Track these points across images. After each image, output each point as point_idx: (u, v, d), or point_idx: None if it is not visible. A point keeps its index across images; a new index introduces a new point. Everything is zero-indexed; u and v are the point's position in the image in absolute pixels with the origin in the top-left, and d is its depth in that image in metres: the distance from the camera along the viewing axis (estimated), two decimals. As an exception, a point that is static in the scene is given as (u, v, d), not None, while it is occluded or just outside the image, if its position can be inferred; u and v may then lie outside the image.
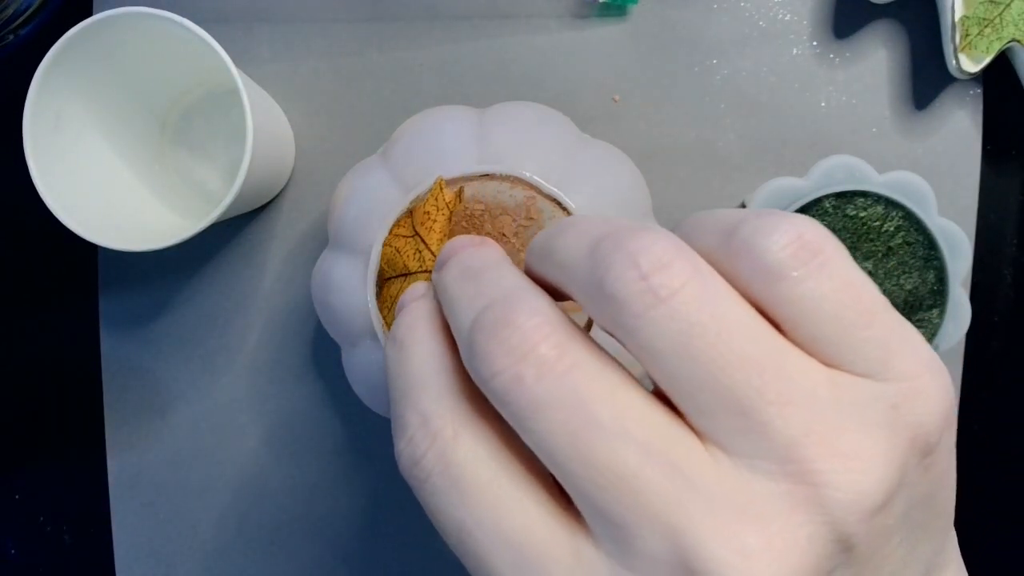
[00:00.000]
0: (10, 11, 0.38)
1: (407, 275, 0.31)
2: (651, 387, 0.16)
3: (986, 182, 0.41)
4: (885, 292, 0.35)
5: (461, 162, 0.32)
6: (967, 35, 0.38)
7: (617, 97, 0.41)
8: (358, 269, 0.32)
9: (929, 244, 0.35)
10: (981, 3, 0.37)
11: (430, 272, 0.31)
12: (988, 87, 0.40)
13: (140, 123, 0.39)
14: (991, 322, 0.41)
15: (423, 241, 0.31)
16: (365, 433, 0.41)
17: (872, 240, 0.35)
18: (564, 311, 0.17)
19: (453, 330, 0.17)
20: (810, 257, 0.15)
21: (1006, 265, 0.41)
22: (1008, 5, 0.37)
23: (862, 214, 0.35)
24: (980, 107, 0.40)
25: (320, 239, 0.41)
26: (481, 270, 0.18)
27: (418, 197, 0.31)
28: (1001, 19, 0.37)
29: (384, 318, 0.31)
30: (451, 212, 0.31)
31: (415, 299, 0.20)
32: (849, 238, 0.35)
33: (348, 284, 0.32)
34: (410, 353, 0.18)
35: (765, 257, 0.15)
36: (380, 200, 0.32)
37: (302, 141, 0.41)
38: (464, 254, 0.19)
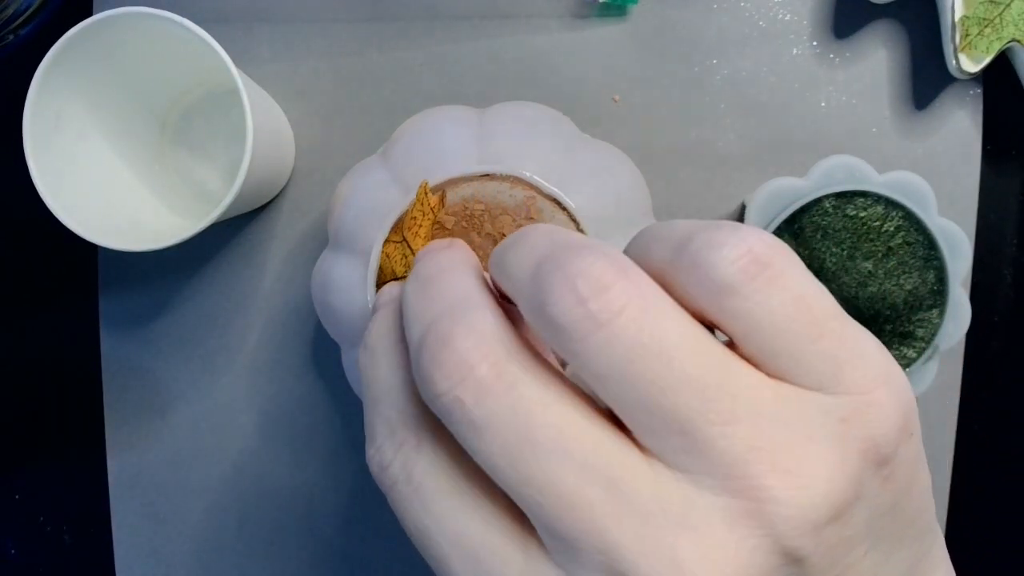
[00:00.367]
0: (10, 11, 0.38)
1: (396, 281, 0.31)
2: None
3: (986, 182, 0.41)
4: (885, 292, 0.35)
5: (461, 162, 0.32)
6: (967, 35, 0.38)
7: (617, 97, 0.41)
8: (358, 269, 0.32)
9: (929, 244, 0.35)
10: (981, 3, 0.37)
11: None
12: (988, 87, 0.40)
13: (140, 123, 0.39)
14: (991, 322, 0.41)
15: (409, 247, 0.31)
16: (365, 433, 0.41)
17: (872, 240, 0.35)
18: None
19: (408, 345, 0.18)
20: (759, 271, 0.15)
21: (1006, 265, 0.41)
22: (1008, 5, 0.37)
23: (862, 214, 0.35)
24: (980, 107, 0.40)
25: (320, 239, 0.41)
26: (432, 279, 0.18)
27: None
28: (1001, 19, 0.37)
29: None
30: (435, 217, 0.31)
31: (386, 304, 0.20)
32: (849, 238, 0.35)
33: (348, 284, 0.32)
34: (379, 362, 0.19)
35: (713, 272, 0.15)
36: (380, 200, 0.32)
37: (302, 141, 0.41)
38: (422, 262, 0.19)
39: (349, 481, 0.41)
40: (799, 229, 0.35)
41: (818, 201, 0.35)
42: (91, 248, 0.41)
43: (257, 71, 0.41)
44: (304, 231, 0.41)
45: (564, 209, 0.31)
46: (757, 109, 0.40)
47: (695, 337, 0.15)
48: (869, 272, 0.35)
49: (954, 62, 0.38)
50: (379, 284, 0.31)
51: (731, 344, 0.16)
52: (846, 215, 0.35)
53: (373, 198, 0.32)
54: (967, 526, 0.41)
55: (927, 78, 0.40)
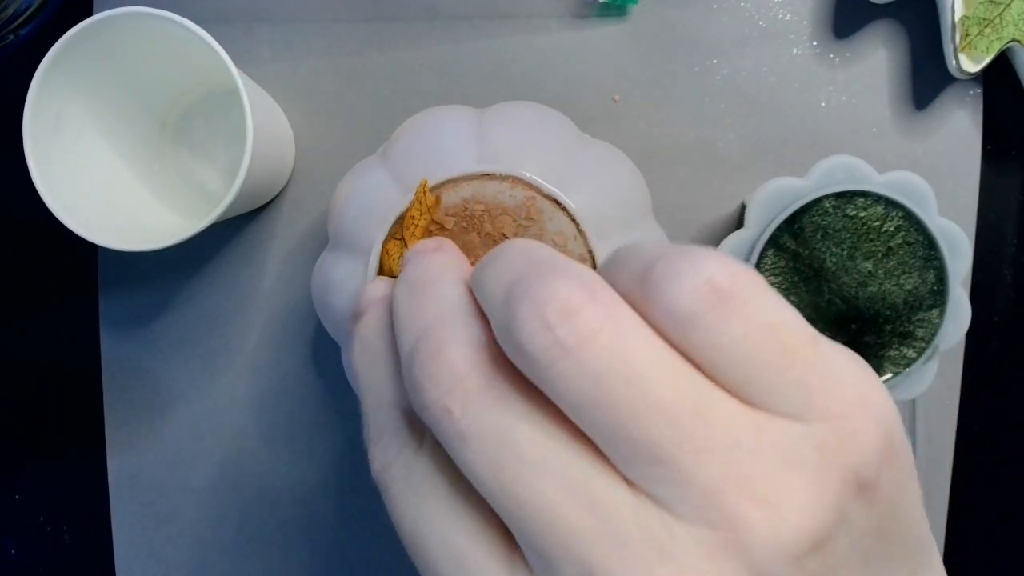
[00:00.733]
0: (10, 11, 0.38)
1: (394, 278, 0.31)
2: None
3: (986, 182, 0.41)
4: (885, 292, 0.35)
5: (461, 162, 0.32)
6: (967, 35, 0.38)
7: (617, 97, 0.41)
8: (358, 269, 0.32)
9: (929, 244, 0.35)
10: (981, 3, 0.37)
11: None
12: (988, 87, 0.40)
13: (140, 123, 0.39)
14: (991, 322, 0.41)
15: (406, 246, 0.31)
16: (365, 433, 0.41)
17: (872, 240, 0.35)
18: None
19: (399, 353, 0.18)
20: (719, 302, 0.15)
21: (1006, 265, 0.41)
22: (1008, 5, 0.37)
23: (862, 214, 0.35)
24: (980, 107, 0.40)
25: (320, 239, 0.41)
26: (422, 285, 0.18)
27: None
28: (1001, 19, 0.37)
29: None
30: (431, 216, 0.31)
31: (376, 303, 0.20)
32: (849, 238, 0.35)
33: (348, 284, 0.32)
34: (378, 363, 0.19)
35: (674, 305, 0.15)
36: (380, 200, 0.32)
37: (302, 141, 0.41)
38: (410, 264, 0.19)
39: (349, 481, 0.41)
40: (799, 229, 0.35)
41: (818, 201, 0.35)
42: (91, 248, 0.41)
43: (257, 71, 0.41)
44: (304, 231, 0.41)
45: (564, 209, 0.31)
46: (757, 109, 0.40)
47: (667, 363, 0.15)
48: (869, 272, 0.35)
49: (954, 62, 0.38)
50: (379, 282, 0.31)
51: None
52: (846, 215, 0.35)
53: (373, 198, 0.32)
54: (967, 527, 0.41)
55: (927, 78, 0.40)
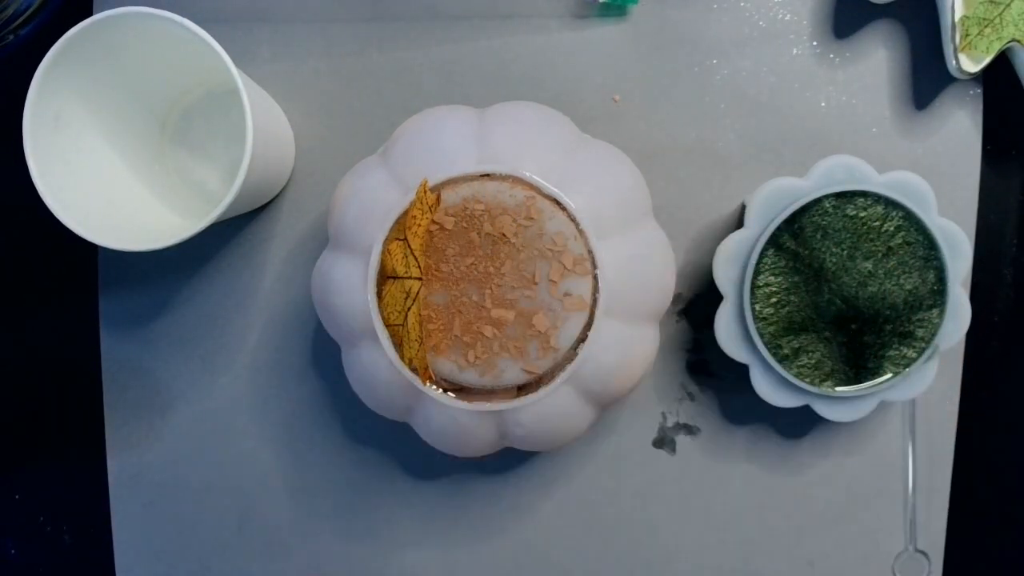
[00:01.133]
0: (10, 11, 0.38)
1: (395, 278, 0.31)
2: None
3: (986, 182, 0.41)
4: (885, 292, 0.35)
5: (461, 162, 0.32)
6: (967, 35, 0.38)
7: (617, 97, 0.41)
8: (358, 269, 0.32)
9: (929, 244, 0.35)
10: (981, 3, 0.37)
11: (416, 278, 0.31)
12: (988, 87, 0.40)
13: (140, 123, 0.39)
14: (991, 322, 0.41)
15: (408, 245, 0.31)
16: (365, 433, 0.41)
17: (872, 240, 0.35)
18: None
19: None
20: None
21: (1006, 265, 0.41)
22: (1008, 5, 0.37)
23: (862, 214, 0.35)
24: (980, 107, 0.40)
25: (320, 239, 0.41)
26: None
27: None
28: (1001, 19, 0.37)
29: (384, 318, 0.31)
30: (432, 216, 0.31)
31: None
32: (849, 238, 0.35)
33: (348, 284, 0.32)
34: None
35: None
36: (380, 200, 0.32)
37: (302, 141, 0.41)
38: None
39: (349, 481, 0.41)
40: (799, 229, 0.35)
41: (818, 201, 0.35)
42: (91, 248, 0.41)
43: (257, 71, 0.41)
44: (304, 231, 0.41)
45: (564, 209, 0.31)
46: (757, 109, 0.40)
47: None
48: (869, 272, 0.35)
49: (954, 62, 0.38)
50: (379, 283, 0.31)
51: None
52: (846, 215, 0.35)
53: (373, 198, 0.32)
54: (967, 527, 0.41)
55: (927, 78, 0.40)
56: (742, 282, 0.36)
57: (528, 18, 0.41)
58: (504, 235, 0.31)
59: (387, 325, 0.31)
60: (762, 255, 0.35)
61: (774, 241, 0.35)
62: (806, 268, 0.35)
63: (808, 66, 0.40)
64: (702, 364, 0.41)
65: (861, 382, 0.36)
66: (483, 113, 0.34)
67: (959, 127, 0.40)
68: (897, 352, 0.36)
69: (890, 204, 0.35)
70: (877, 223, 0.35)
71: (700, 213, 0.41)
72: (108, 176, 0.37)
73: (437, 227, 0.31)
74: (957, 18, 0.38)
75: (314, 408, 0.41)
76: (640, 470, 0.41)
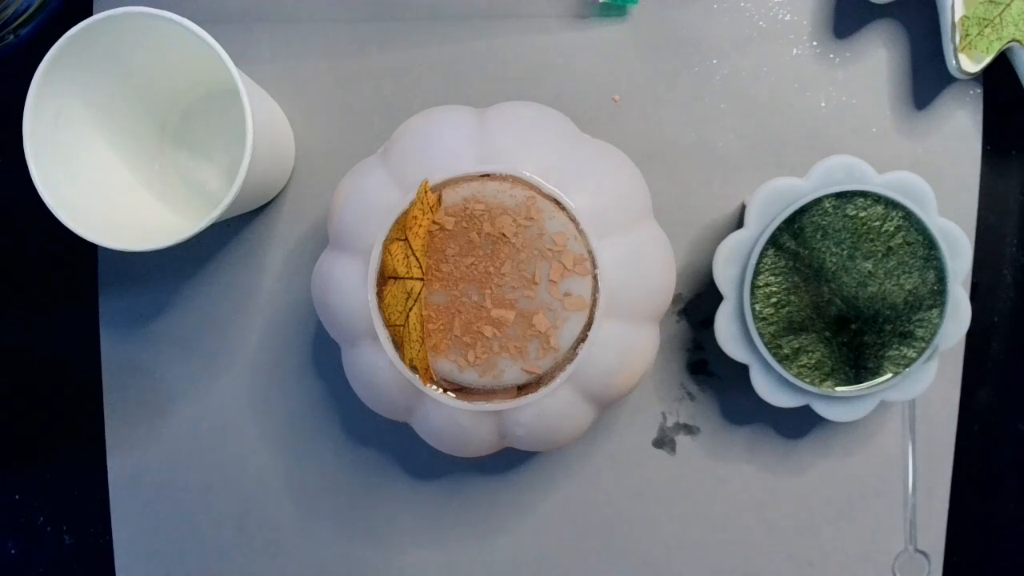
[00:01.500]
0: (10, 11, 0.38)
1: (397, 279, 0.31)
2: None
3: (986, 182, 0.41)
4: (885, 292, 0.35)
5: (461, 162, 0.32)
6: (967, 35, 0.38)
7: (617, 97, 0.41)
8: (358, 269, 0.32)
9: (929, 244, 0.35)
10: (981, 3, 0.37)
11: (417, 279, 0.31)
12: (988, 87, 0.40)
13: (140, 123, 0.39)
14: (991, 322, 0.41)
15: (410, 246, 0.31)
16: (365, 433, 0.41)
17: (872, 240, 0.35)
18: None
19: None
20: None
21: (1006, 265, 0.41)
22: (1008, 5, 0.37)
23: (862, 214, 0.35)
24: (980, 107, 0.40)
25: (320, 239, 0.41)
26: None
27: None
28: (1001, 19, 0.37)
29: (384, 318, 0.31)
30: (433, 216, 0.31)
31: None
32: (849, 238, 0.35)
33: (348, 284, 0.32)
34: None
35: None
36: (380, 200, 0.32)
37: (302, 141, 0.41)
38: None
39: (349, 481, 0.41)
40: (799, 229, 0.35)
41: (818, 201, 0.35)
42: (91, 248, 0.41)
43: (257, 71, 0.41)
44: (304, 231, 0.41)
45: (564, 209, 0.31)
46: (757, 109, 0.40)
47: None
48: (869, 272, 0.35)
49: (954, 62, 0.38)
50: (380, 283, 0.31)
51: None
52: (846, 215, 0.35)
53: (373, 198, 0.32)
54: (967, 527, 0.41)
55: (927, 78, 0.40)
56: (742, 282, 0.36)
57: (528, 18, 0.41)
58: (504, 235, 0.31)
59: (388, 325, 0.31)
60: (762, 255, 0.35)
61: (774, 241, 0.35)
62: (806, 268, 0.35)
63: (808, 66, 0.40)
64: (702, 364, 0.41)
65: (861, 382, 0.36)
66: (483, 113, 0.34)
67: (959, 127, 0.40)
68: (897, 352, 0.36)
69: (890, 204, 0.35)
70: (877, 223, 0.35)
71: (700, 213, 0.41)
72: (108, 176, 0.37)
73: (437, 227, 0.31)
74: (957, 18, 0.38)
75: (314, 408, 0.41)
76: (640, 470, 0.41)
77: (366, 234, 0.32)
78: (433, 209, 0.31)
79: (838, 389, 0.36)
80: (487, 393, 0.32)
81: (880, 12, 0.40)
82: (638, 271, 0.32)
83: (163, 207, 0.39)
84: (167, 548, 0.42)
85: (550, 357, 0.31)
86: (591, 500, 0.41)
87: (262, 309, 0.41)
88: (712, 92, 0.40)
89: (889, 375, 0.36)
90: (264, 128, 0.35)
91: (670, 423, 0.41)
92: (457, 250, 0.31)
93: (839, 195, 0.35)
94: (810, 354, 0.36)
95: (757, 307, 0.35)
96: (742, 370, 0.37)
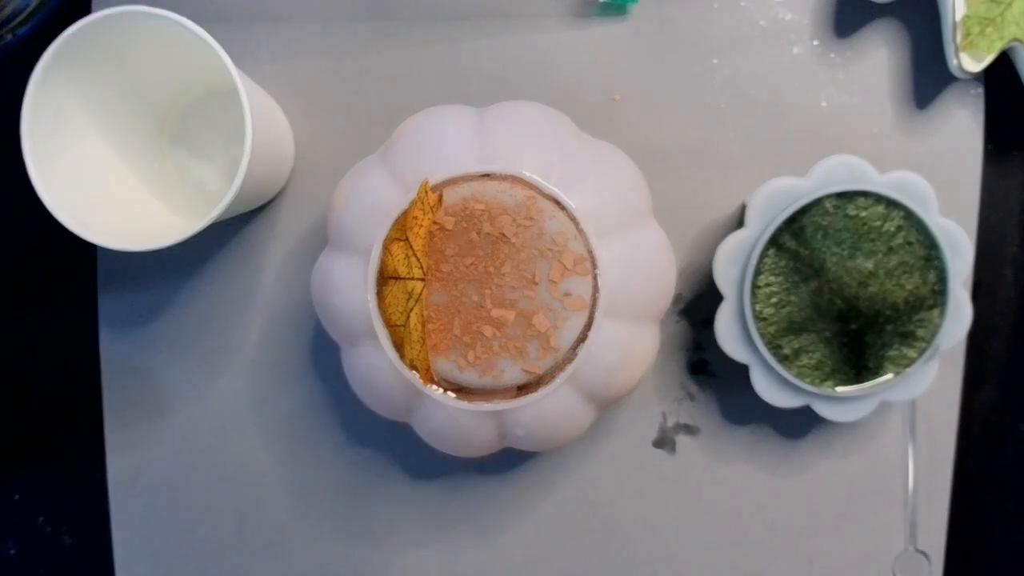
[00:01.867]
0: (8, 10, 0.38)
1: (397, 279, 0.31)
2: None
3: (987, 182, 0.41)
4: (886, 292, 0.35)
5: (461, 162, 0.31)
6: (968, 34, 0.38)
7: (617, 97, 0.41)
8: (358, 269, 0.32)
9: (930, 244, 0.35)
10: (982, 2, 0.37)
11: (418, 279, 0.31)
12: (989, 86, 0.40)
13: (139, 122, 0.39)
14: (992, 322, 0.41)
15: (411, 246, 0.31)
16: (365, 433, 0.41)
17: (873, 240, 0.35)
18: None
19: None
20: None
21: (1007, 265, 0.41)
22: (1009, 4, 0.37)
23: (863, 214, 0.35)
24: (981, 106, 0.40)
25: (320, 239, 0.41)
26: None
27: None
28: (1002, 18, 0.37)
29: (384, 318, 0.31)
30: (434, 216, 0.31)
31: None
32: (850, 238, 0.35)
33: (348, 284, 0.32)
34: None
35: None
36: (380, 200, 0.32)
37: (302, 141, 0.41)
38: None
39: (349, 481, 0.41)
40: (800, 229, 0.35)
41: (819, 201, 0.35)
42: (90, 248, 0.40)
43: (257, 71, 0.41)
44: (304, 231, 0.41)
45: (563, 209, 0.31)
46: (757, 109, 0.40)
47: None
48: (870, 272, 0.35)
49: (955, 61, 0.38)
50: (380, 283, 0.31)
51: None
52: (847, 215, 0.35)
53: (373, 198, 0.32)
54: (968, 527, 0.41)
55: (928, 77, 0.40)
56: (742, 282, 0.35)
57: (528, 18, 0.40)
58: (504, 235, 0.31)
59: (388, 325, 0.31)
60: (762, 255, 0.35)
61: (774, 241, 0.35)
62: (807, 268, 0.35)
63: (808, 66, 0.40)
64: (702, 364, 0.41)
65: (861, 382, 0.36)
66: (483, 113, 0.34)
67: (960, 127, 0.40)
68: (897, 352, 0.36)
69: (891, 204, 0.35)
70: (878, 223, 0.35)
71: (700, 213, 0.41)
72: (107, 176, 0.37)
73: (437, 227, 0.31)
74: (958, 17, 0.38)
75: (314, 408, 0.41)
76: (640, 470, 0.41)
77: (366, 234, 0.32)
78: (434, 209, 0.31)
79: (838, 389, 0.36)
80: (487, 393, 0.32)
81: (881, 11, 0.40)
82: (638, 271, 0.32)
83: (162, 207, 0.39)
84: (167, 548, 0.42)
85: (550, 357, 0.31)
86: (591, 500, 0.41)
87: (262, 309, 0.41)
88: (712, 92, 0.40)
89: (890, 375, 0.36)
90: (264, 128, 0.35)
91: (670, 423, 0.41)
92: (457, 250, 0.31)
93: (840, 195, 0.35)
94: (810, 354, 0.36)
95: (757, 307, 0.35)
96: (742, 370, 0.37)
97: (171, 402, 0.41)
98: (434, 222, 0.31)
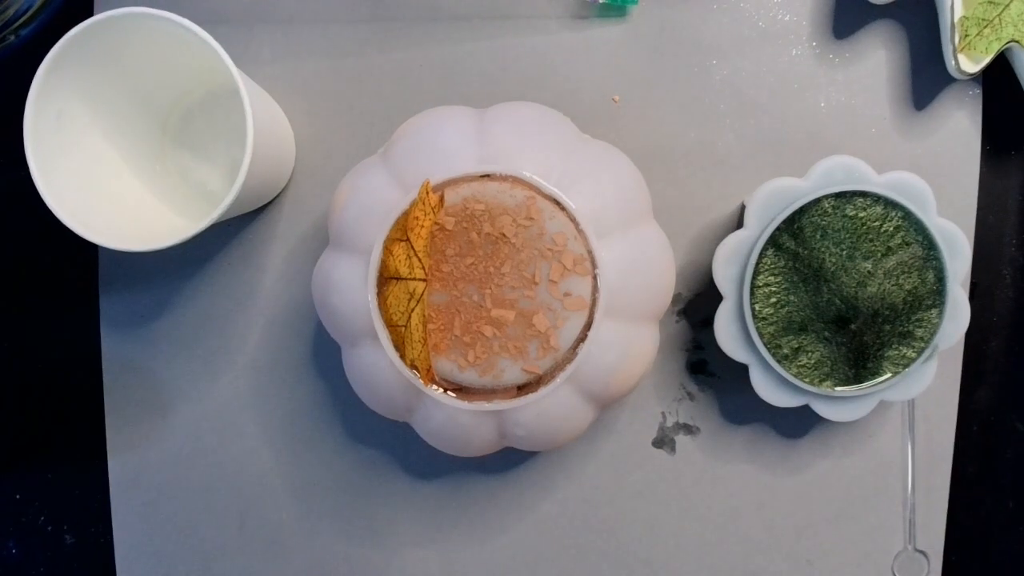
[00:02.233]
0: (11, 12, 0.38)
1: (399, 279, 0.31)
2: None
3: (985, 182, 0.41)
4: (884, 292, 0.35)
5: (461, 162, 0.32)
6: (966, 35, 0.38)
7: (617, 97, 0.41)
8: (359, 269, 0.32)
9: (928, 244, 0.35)
10: (980, 4, 0.38)
11: (420, 279, 0.31)
12: (987, 87, 0.40)
13: (141, 123, 0.39)
14: (990, 322, 0.41)
15: (412, 246, 0.31)
16: (365, 433, 0.41)
17: (871, 240, 0.35)
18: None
19: None
20: None
21: (1005, 265, 0.41)
22: (1007, 6, 0.37)
23: (861, 214, 0.35)
24: (979, 107, 0.40)
25: (320, 239, 0.41)
26: None
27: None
28: (1000, 20, 0.38)
29: (385, 318, 0.31)
30: (435, 216, 0.31)
31: None
32: (848, 238, 0.35)
33: (348, 284, 0.32)
34: None
35: None
36: (380, 200, 0.32)
37: (302, 141, 0.41)
38: None
39: (349, 481, 0.41)
40: (799, 229, 0.35)
41: (817, 201, 0.35)
42: (91, 248, 0.41)
43: (258, 71, 0.41)
44: (304, 231, 0.41)
45: (563, 209, 0.31)
46: (757, 109, 0.40)
47: None
48: (868, 272, 0.35)
49: (953, 62, 0.38)
50: (380, 283, 0.31)
51: None
52: (845, 215, 0.35)
53: (373, 198, 0.32)
54: (967, 526, 0.41)
55: (926, 78, 0.40)
56: (742, 282, 0.36)
57: (528, 18, 0.41)
58: (504, 235, 0.31)
59: (389, 325, 0.31)
60: (762, 255, 0.35)
61: (774, 241, 0.35)
62: (806, 268, 0.36)
63: (808, 66, 0.40)
64: (702, 364, 0.41)
65: (861, 382, 0.36)
66: (483, 113, 0.34)
67: (958, 127, 0.40)
68: (896, 352, 0.36)
69: (889, 204, 0.35)
70: (876, 223, 0.35)
71: (700, 213, 0.41)
72: (109, 176, 0.37)
73: (437, 227, 0.31)
74: (956, 18, 0.38)
75: (314, 408, 0.41)
76: (640, 470, 0.41)
77: (366, 234, 0.32)
78: (435, 210, 0.31)
79: (838, 389, 0.36)
80: (487, 393, 0.32)
81: (879, 12, 0.40)
82: (638, 271, 0.32)
83: (164, 207, 0.39)
84: (167, 548, 0.42)
85: (550, 357, 0.31)
86: (591, 500, 0.41)
87: (262, 309, 0.41)
88: (712, 92, 0.40)
89: (888, 375, 0.36)
90: (265, 129, 0.35)
91: (670, 423, 0.41)
92: (457, 250, 0.31)
93: (839, 195, 0.35)
94: (810, 354, 0.36)
95: (757, 307, 0.36)
96: (742, 370, 0.37)
97: (172, 401, 0.41)
98: (435, 223, 0.31)
